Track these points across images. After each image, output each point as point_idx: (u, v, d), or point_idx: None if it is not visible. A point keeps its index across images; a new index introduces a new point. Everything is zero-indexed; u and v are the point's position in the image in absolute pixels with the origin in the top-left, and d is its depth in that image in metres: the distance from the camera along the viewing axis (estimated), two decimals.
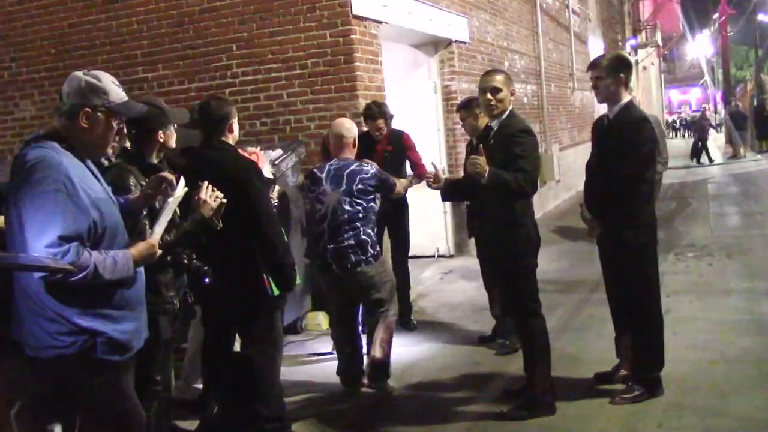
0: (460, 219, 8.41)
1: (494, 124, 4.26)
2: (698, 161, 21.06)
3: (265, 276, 3.74)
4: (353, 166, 4.67)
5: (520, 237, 4.13)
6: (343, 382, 4.88)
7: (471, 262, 7.01)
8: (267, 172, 4.70)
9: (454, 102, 9.03)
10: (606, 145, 4.27)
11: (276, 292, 3.77)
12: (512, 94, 4.21)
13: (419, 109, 9.04)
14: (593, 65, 4.29)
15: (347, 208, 4.58)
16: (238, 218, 3.56)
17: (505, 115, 4.19)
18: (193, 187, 3.24)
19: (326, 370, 5.35)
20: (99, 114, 2.63)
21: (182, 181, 3.04)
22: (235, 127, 3.89)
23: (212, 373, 4.17)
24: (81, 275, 2.44)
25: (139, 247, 2.67)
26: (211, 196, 3.20)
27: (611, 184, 4.12)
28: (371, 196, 4.67)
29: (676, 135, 41.50)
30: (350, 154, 4.76)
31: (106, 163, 3.34)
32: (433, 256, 9.16)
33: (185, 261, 3.51)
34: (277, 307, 3.94)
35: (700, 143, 21.68)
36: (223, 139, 3.84)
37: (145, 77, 7.59)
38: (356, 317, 5.01)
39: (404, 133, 6.22)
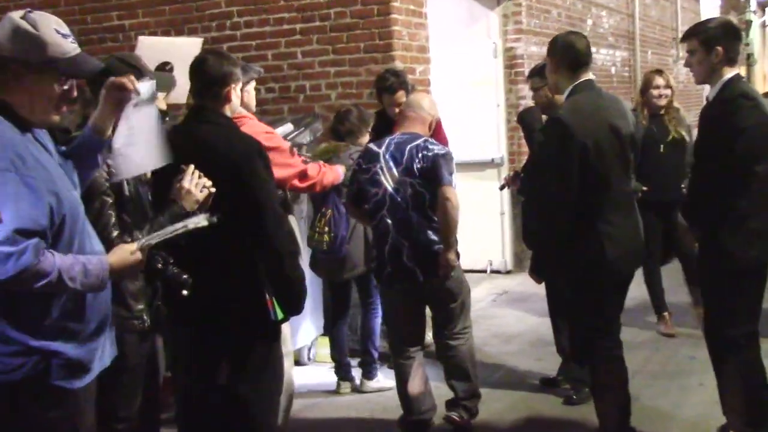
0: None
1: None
2: None
3: (267, 294, 3.67)
4: (419, 141, 4.77)
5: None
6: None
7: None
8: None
9: (519, 70, 9.02)
10: (704, 133, 4.33)
11: (280, 315, 3.71)
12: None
13: (473, 78, 9.04)
14: (686, 35, 4.32)
15: (410, 191, 4.68)
16: (234, 216, 3.48)
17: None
18: (175, 172, 3.24)
19: (342, 408, 5.36)
20: (35, 73, 2.55)
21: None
22: (236, 94, 3.77)
23: (190, 416, 4.13)
24: (41, 283, 2.41)
25: (120, 254, 2.64)
26: (197, 184, 3.19)
27: (709, 180, 4.16)
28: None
29: None
30: (420, 129, 4.88)
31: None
32: (485, 272, 9.13)
33: (159, 266, 3.50)
34: (279, 334, 3.92)
35: None
36: (221, 110, 3.73)
37: (121, 25, 7.60)
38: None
39: None
